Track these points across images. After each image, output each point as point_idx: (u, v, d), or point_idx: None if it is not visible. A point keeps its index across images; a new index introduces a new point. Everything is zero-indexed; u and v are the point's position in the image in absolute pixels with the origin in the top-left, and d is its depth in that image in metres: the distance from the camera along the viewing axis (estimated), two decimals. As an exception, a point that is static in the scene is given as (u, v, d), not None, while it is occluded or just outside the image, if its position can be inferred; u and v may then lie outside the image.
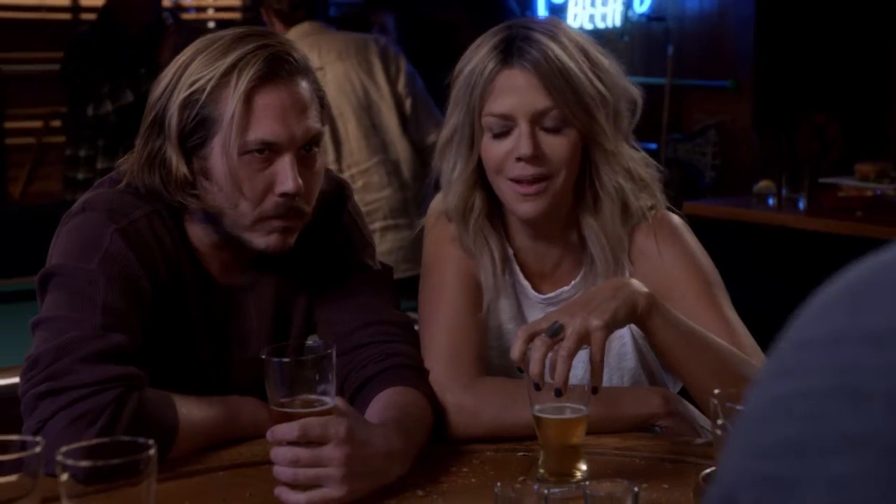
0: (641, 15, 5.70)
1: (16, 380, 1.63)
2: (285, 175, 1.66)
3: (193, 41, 1.73)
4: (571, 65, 1.76)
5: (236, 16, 6.42)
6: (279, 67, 1.66)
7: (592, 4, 5.92)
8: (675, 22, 5.58)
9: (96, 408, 1.53)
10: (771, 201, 4.49)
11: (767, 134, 5.14)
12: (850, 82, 5.30)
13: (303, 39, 3.83)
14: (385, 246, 3.70)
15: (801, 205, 4.37)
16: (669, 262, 1.84)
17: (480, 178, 1.85)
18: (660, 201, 1.89)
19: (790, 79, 5.25)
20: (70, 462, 1.12)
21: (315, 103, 1.72)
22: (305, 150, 1.70)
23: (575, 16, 6.02)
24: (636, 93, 1.86)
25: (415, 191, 3.83)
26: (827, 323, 0.59)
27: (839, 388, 0.54)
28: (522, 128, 1.76)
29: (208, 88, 1.65)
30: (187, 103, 1.66)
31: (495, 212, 1.89)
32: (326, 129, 3.78)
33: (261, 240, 1.71)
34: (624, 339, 1.87)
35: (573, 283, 1.90)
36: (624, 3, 5.77)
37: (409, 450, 1.59)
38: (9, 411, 1.66)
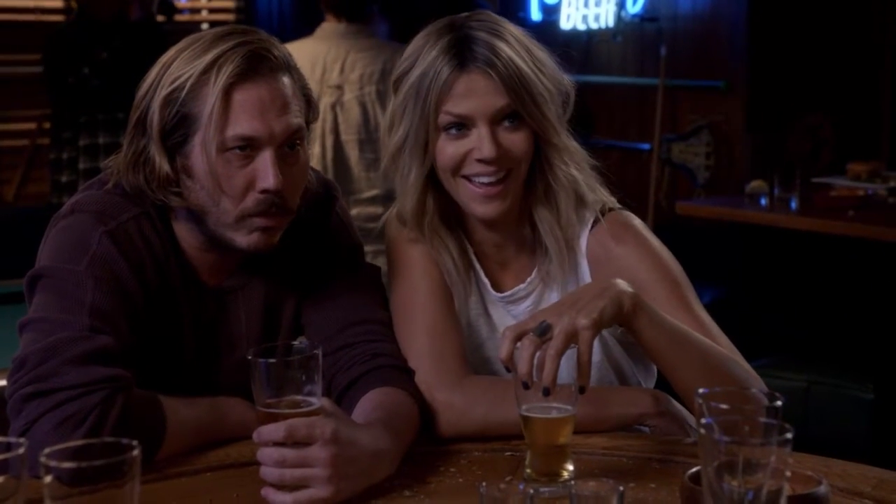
0: (634, 15, 5.71)
1: (3, 382, 1.63)
2: (266, 171, 1.66)
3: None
4: (521, 63, 1.78)
5: (230, 17, 6.42)
6: (258, 64, 1.66)
7: (585, 5, 5.93)
8: (667, 22, 5.58)
9: (83, 410, 1.53)
10: (763, 201, 4.50)
11: (760, 134, 5.15)
12: (841, 82, 5.30)
13: (336, 40, 3.80)
14: None
15: (794, 204, 4.37)
16: (634, 265, 1.83)
17: (432, 181, 1.86)
18: (604, 196, 1.91)
19: (782, 79, 5.26)
20: (53, 463, 1.12)
21: (298, 99, 1.72)
22: (288, 147, 1.70)
23: (568, 16, 6.02)
24: (569, 84, 1.88)
25: None
26: None
27: None
28: (482, 130, 1.78)
29: (188, 86, 1.65)
30: (168, 101, 1.66)
31: (449, 212, 1.90)
32: (329, 156, 3.75)
33: (243, 238, 1.70)
34: None
35: (528, 279, 1.92)
36: (617, 4, 5.77)
37: (397, 450, 1.59)
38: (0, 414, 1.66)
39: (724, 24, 5.34)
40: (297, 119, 1.70)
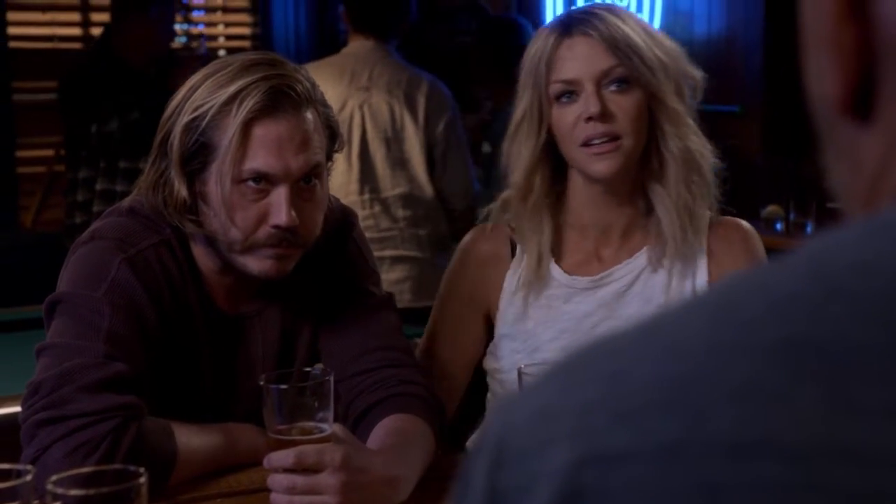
0: (650, 40, 5.72)
1: (18, 407, 1.63)
2: (279, 208, 1.66)
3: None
4: (629, 31, 1.83)
5: (246, 43, 6.45)
6: (280, 100, 1.66)
7: (601, 30, 5.94)
8: (683, 47, 5.59)
9: (95, 437, 1.53)
10: (779, 226, 4.48)
11: (776, 159, 5.14)
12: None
13: (364, 54, 3.82)
14: (394, 275, 3.68)
15: (810, 229, 4.36)
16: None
17: (546, 157, 1.89)
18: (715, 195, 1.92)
19: (798, 104, 5.24)
20: (61, 490, 1.12)
21: (320, 134, 1.72)
22: (304, 181, 1.70)
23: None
24: (698, 76, 1.91)
25: (429, 230, 3.79)
26: (645, 430, 0.46)
27: None
28: (588, 89, 1.81)
29: (209, 115, 1.65)
30: (189, 128, 1.67)
31: (553, 194, 1.92)
32: (356, 152, 3.77)
33: (255, 264, 1.70)
34: None
35: (626, 261, 1.91)
36: (632, 29, 5.79)
37: (409, 477, 1.58)
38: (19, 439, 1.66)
39: (740, 48, 5.34)
40: (316, 156, 1.70)
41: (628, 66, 1.81)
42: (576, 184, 1.91)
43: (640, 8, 5.71)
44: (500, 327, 1.95)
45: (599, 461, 0.46)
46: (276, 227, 1.66)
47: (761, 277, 0.50)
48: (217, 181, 1.66)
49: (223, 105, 1.65)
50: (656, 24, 5.68)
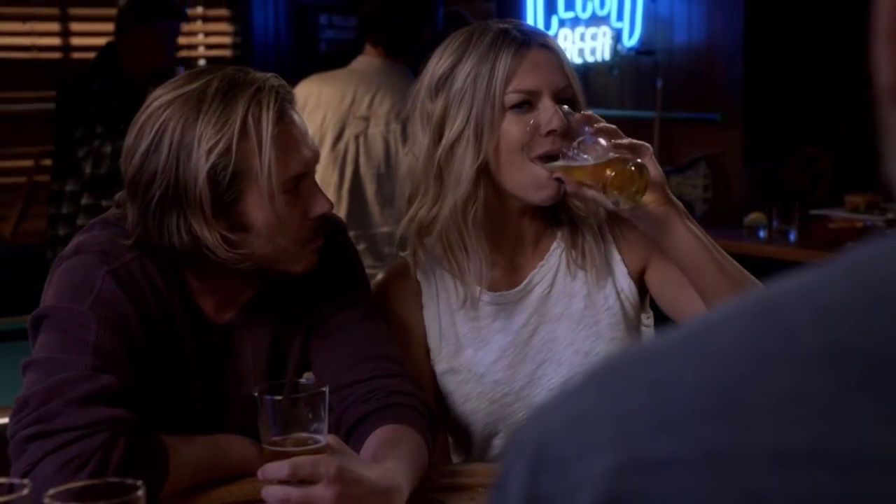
0: (630, 49, 5.73)
1: (5, 421, 1.62)
2: (317, 198, 1.73)
3: None
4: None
5: (227, 52, 6.43)
6: (285, 101, 1.69)
7: (582, 39, 5.95)
8: (663, 55, 5.60)
9: (85, 452, 1.51)
10: (762, 233, 4.50)
11: (757, 166, 5.15)
12: (838, 114, 5.32)
13: (370, 74, 3.77)
14: None
15: (792, 237, 4.38)
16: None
17: (483, 174, 1.83)
18: None
19: (779, 111, 5.27)
20: (58, 505, 1.11)
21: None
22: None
23: (564, 50, 6.04)
24: None
25: None
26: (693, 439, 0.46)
27: None
28: (547, 103, 1.80)
29: (234, 148, 1.63)
30: (215, 170, 1.63)
31: (492, 206, 1.88)
32: (346, 187, 3.74)
33: (298, 265, 1.74)
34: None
35: (548, 255, 1.93)
36: (613, 38, 5.79)
37: (403, 488, 1.57)
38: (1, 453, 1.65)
39: (720, 56, 5.36)
40: (314, 139, 1.75)
41: (573, 87, 1.84)
42: (497, 199, 1.87)
43: (620, 16, 5.73)
44: (438, 365, 1.94)
45: (641, 468, 0.46)
46: (321, 215, 1.72)
47: (803, 284, 0.50)
48: (264, 202, 1.65)
49: (240, 132, 1.63)
50: (636, 31, 5.70)
